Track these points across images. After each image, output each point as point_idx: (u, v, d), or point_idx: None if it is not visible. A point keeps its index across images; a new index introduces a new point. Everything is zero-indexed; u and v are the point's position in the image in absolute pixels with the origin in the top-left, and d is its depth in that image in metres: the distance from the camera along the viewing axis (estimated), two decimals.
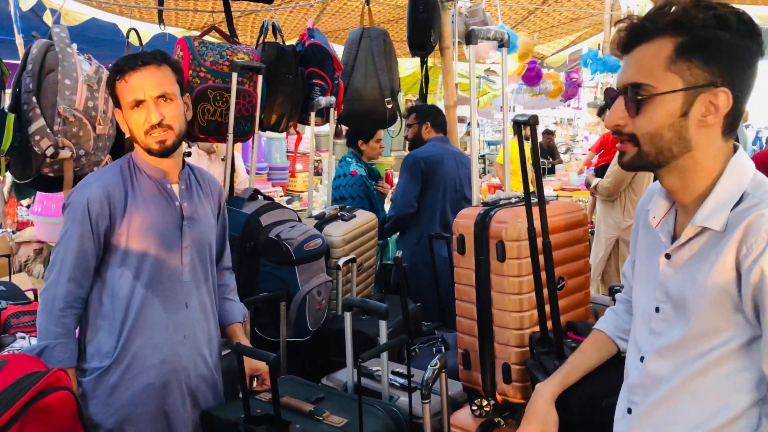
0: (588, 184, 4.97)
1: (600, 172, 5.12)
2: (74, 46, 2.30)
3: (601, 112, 5.25)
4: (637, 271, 1.31)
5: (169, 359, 1.84)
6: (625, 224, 4.58)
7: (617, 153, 1.18)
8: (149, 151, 1.83)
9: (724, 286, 1.06)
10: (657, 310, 1.18)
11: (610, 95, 1.16)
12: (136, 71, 1.78)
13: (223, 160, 4.77)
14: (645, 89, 1.08)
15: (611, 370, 1.45)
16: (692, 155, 1.10)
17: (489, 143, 13.49)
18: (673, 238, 1.18)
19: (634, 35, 1.10)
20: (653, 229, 1.23)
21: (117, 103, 1.84)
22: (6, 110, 2.21)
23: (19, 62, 2.32)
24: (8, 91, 2.27)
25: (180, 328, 1.86)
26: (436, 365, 1.67)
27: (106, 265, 1.83)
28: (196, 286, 1.91)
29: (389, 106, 3.49)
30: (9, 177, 2.42)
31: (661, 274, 1.18)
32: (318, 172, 7.29)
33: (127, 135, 1.91)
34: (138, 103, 1.79)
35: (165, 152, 1.83)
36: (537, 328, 1.73)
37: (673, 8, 1.06)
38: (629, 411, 1.24)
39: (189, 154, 2.64)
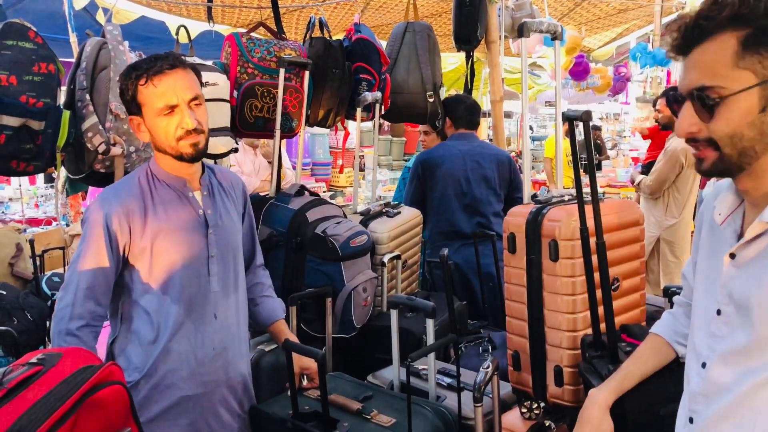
0: (632, 181, 4.85)
1: (647, 169, 5.00)
2: (126, 43, 2.34)
3: (654, 104, 5.09)
4: (698, 271, 1.25)
5: (199, 372, 1.80)
6: (667, 223, 4.47)
7: (695, 159, 1.09)
8: (181, 158, 1.75)
9: None
10: (719, 312, 1.12)
11: (674, 100, 1.10)
12: (166, 74, 1.69)
13: (264, 156, 4.83)
14: (715, 91, 1.01)
15: (669, 376, 1.39)
16: None
17: (534, 139, 13.30)
18: (740, 237, 1.12)
19: (689, 36, 1.03)
20: (718, 227, 1.17)
21: (136, 110, 1.74)
22: (62, 107, 2.26)
23: (73, 60, 2.37)
24: (63, 89, 2.32)
25: (209, 341, 1.81)
26: (488, 367, 1.63)
27: (131, 281, 1.77)
28: (224, 295, 1.85)
29: (431, 100, 3.44)
30: (63, 172, 2.48)
31: (725, 274, 1.12)
32: (362, 168, 7.30)
33: (146, 141, 1.80)
34: (171, 109, 1.70)
35: (198, 156, 1.77)
36: (590, 331, 1.68)
37: (728, 0, 0.99)
38: (691, 420, 1.18)
39: (236, 150, 2.66)
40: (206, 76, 2.48)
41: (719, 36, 1.00)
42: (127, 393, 1.36)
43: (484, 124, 9.59)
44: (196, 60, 2.56)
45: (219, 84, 2.52)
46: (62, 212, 5.67)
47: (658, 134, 5.55)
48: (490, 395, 1.79)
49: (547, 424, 1.75)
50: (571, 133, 1.59)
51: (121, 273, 1.78)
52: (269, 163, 4.84)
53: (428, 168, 3.40)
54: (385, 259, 2.74)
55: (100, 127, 2.22)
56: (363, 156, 7.27)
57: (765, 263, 1.04)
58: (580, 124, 1.55)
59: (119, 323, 1.81)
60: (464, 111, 3.53)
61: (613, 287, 1.82)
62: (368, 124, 3.39)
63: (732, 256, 1.11)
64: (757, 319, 1.04)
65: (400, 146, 9.49)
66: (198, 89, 1.76)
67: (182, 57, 1.77)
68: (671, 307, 1.51)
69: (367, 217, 2.87)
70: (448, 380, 2.09)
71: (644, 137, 6.30)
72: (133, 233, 1.74)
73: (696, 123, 1.04)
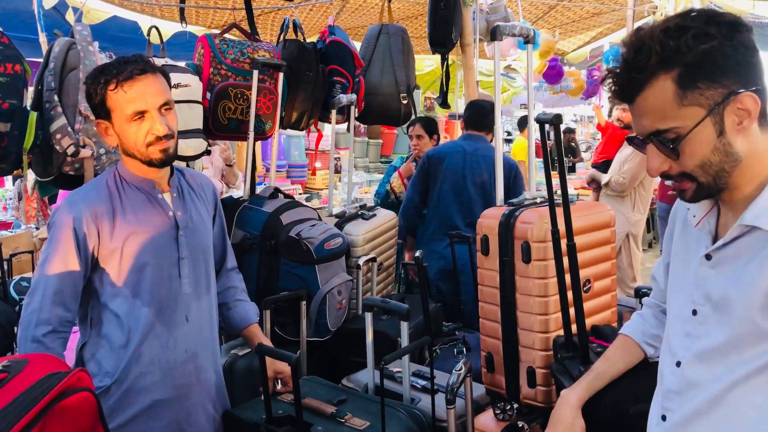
0: (592, 180, 4.99)
1: (602, 168, 5.19)
2: (96, 44, 2.31)
3: (609, 114, 5.32)
4: (672, 272, 1.26)
5: (171, 376, 1.78)
6: (634, 219, 4.74)
7: (677, 191, 1.12)
8: (150, 163, 1.73)
9: None
10: (694, 312, 1.14)
11: (634, 143, 1.12)
12: (136, 80, 1.66)
13: (225, 161, 4.81)
14: (673, 132, 1.04)
15: (639, 377, 1.41)
16: (743, 164, 1.06)
17: (508, 141, 13.40)
18: (714, 239, 1.14)
19: (627, 88, 1.06)
20: (692, 229, 1.19)
21: (104, 115, 1.71)
22: (29, 108, 2.21)
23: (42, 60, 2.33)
24: (31, 89, 2.28)
25: (181, 343, 1.80)
26: (461, 369, 1.64)
27: (101, 284, 1.74)
28: (196, 297, 1.84)
29: (404, 102, 3.46)
30: (32, 175, 2.43)
31: (700, 275, 1.13)
32: (337, 170, 7.28)
33: (113, 145, 1.78)
34: (141, 114, 1.68)
35: (168, 161, 1.75)
36: (562, 332, 1.69)
37: (650, 48, 1.01)
38: (663, 418, 1.19)
39: (209, 152, 2.64)
40: (178, 77, 2.45)
41: (655, 82, 1.02)
42: (95, 400, 1.33)
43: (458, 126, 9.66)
44: (168, 61, 2.53)
45: (191, 85, 2.50)
46: (41, 215, 5.57)
47: (614, 132, 5.71)
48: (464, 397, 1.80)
49: (520, 425, 1.76)
50: (542, 136, 1.61)
51: (90, 277, 1.75)
52: (228, 166, 4.82)
53: (433, 163, 3.51)
54: (361, 261, 2.74)
55: (69, 128, 2.18)
56: (339, 158, 7.25)
57: (743, 263, 1.06)
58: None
59: (89, 328, 1.78)
60: (473, 113, 3.66)
61: (584, 289, 1.84)
62: (345, 126, 3.39)
63: (708, 257, 1.12)
64: (736, 318, 1.06)
65: (377, 148, 9.50)
66: (168, 94, 1.74)
67: (151, 61, 1.75)
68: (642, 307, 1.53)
69: (342, 220, 2.87)
70: (422, 382, 2.10)
71: (599, 128, 6.47)
72: (101, 236, 1.72)
73: (664, 161, 1.07)
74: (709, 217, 1.16)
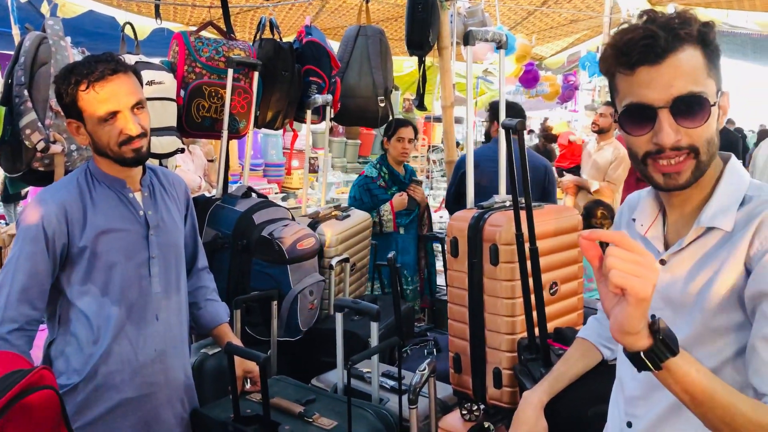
0: (581, 185, 5.07)
1: (574, 172, 5.36)
2: (68, 39, 2.28)
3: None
4: None
5: (140, 374, 1.78)
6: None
7: (662, 177, 1.07)
8: (123, 162, 1.73)
9: (733, 286, 1.03)
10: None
11: (645, 115, 1.04)
12: (108, 80, 1.65)
13: (205, 156, 4.79)
14: (704, 97, 1.03)
15: (596, 379, 1.44)
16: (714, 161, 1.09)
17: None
18: (666, 244, 1.17)
19: (663, 45, 1.02)
20: (641, 238, 1.21)
21: (75, 115, 1.69)
22: None
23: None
24: (0, 83, 2.25)
25: (151, 342, 1.79)
26: (424, 370, 1.65)
27: (69, 283, 1.73)
28: (166, 296, 1.84)
29: (382, 105, 3.47)
30: (1, 171, 2.39)
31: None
32: (315, 170, 7.27)
33: (84, 144, 1.78)
34: (113, 115, 1.67)
35: (141, 160, 1.75)
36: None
37: (692, 18, 1.04)
38: (629, 425, 1.19)
39: (183, 150, 2.63)
40: (152, 74, 2.44)
41: (689, 47, 1.03)
42: (58, 398, 1.33)
43: (439, 129, 9.69)
44: (142, 58, 2.51)
45: (165, 83, 2.48)
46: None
47: (571, 149, 5.87)
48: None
49: (486, 426, 1.77)
50: (507, 141, 1.63)
51: (59, 275, 1.74)
52: (210, 161, 4.79)
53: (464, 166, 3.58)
54: (334, 262, 2.75)
55: (39, 124, 2.15)
56: (317, 158, 7.24)
57: (703, 264, 1.08)
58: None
59: (57, 325, 1.77)
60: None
61: (551, 291, 1.87)
62: (322, 126, 3.39)
63: (662, 262, 1.14)
64: (698, 318, 1.07)
65: (355, 148, 9.49)
66: (140, 93, 1.74)
67: (122, 60, 1.74)
68: None
69: (316, 220, 2.87)
70: (391, 383, 2.11)
71: (562, 147, 6.68)
72: (71, 235, 1.71)
73: (678, 131, 1.04)
74: (656, 225, 1.18)
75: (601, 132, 5.06)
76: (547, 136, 10.85)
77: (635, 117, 1.06)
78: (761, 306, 0.99)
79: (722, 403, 0.92)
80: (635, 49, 1.03)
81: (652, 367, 0.91)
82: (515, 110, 3.66)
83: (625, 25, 1.07)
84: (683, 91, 1.02)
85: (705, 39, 1.04)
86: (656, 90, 1.03)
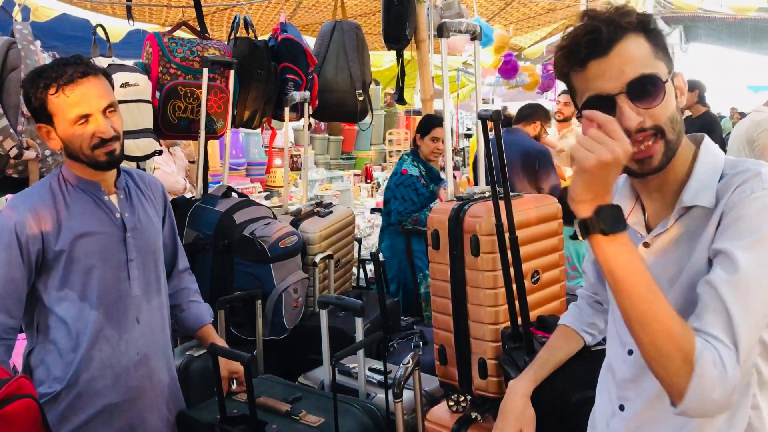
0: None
1: None
2: (38, 43, 2.25)
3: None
4: None
5: (124, 378, 1.76)
6: None
7: (636, 164, 1.08)
8: (96, 165, 1.71)
9: (706, 256, 1.05)
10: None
11: (603, 105, 1.05)
12: (78, 84, 1.63)
13: (187, 157, 4.76)
14: (656, 77, 1.06)
15: (579, 365, 1.45)
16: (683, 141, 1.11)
17: (468, 136, 13.48)
18: (648, 228, 1.17)
19: (606, 38, 1.06)
20: None
21: (45, 119, 1.67)
22: None
23: None
24: None
25: (133, 345, 1.78)
26: (408, 363, 1.65)
27: (46, 289, 1.71)
28: (147, 299, 1.82)
29: (360, 98, 3.46)
30: None
31: None
32: (297, 167, 7.24)
33: (56, 149, 1.75)
34: (85, 118, 1.65)
35: (115, 163, 1.73)
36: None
37: (631, 11, 1.08)
38: (621, 408, 1.19)
39: (161, 152, 2.60)
40: (126, 76, 2.41)
41: (632, 35, 1.06)
42: (38, 407, 1.31)
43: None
44: (115, 60, 2.48)
45: (140, 84, 2.46)
46: None
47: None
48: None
49: (473, 416, 1.78)
50: (484, 132, 1.63)
51: (35, 282, 1.71)
52: (191, 162, 4.76)
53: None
54: (317, 259, 2.74)
55: (12, 130, 2.12)
56: (299, 155, 7.21)
57: (688, 242, 1.09)
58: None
59: (35, 333, 1.75)
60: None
61: (533, 280, 1.88)
62: (302, 123, 3.37)
63: (646, 245, 1.15)
64: (683, 295, 1.07)
65: (338, 145, 9.47)
66: (112, 96, 1.71)
67: (92, 62, 1.71)
68: None
69: (298, 218, 2.86)
70: (378, 377, 2.11)
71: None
72: (45, 241, 1.68)
73: (639, 114, 1.06)
74: (636, 211, 1.19)
75: (565, 121, 5.13)
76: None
77: (596, 109, 1.06)
78: (715, 259, 1.02)
79: (641, 297, 0.97)
80: (581, 45, 1.07)
81: (580, 235, 1.00)
82: (525, 105, 4.04)
83: (570, 29, 1.11)
84: (635, 74, 1.05)
85: (645, 26, 1.07)
86: (610, 79, 1.06)
